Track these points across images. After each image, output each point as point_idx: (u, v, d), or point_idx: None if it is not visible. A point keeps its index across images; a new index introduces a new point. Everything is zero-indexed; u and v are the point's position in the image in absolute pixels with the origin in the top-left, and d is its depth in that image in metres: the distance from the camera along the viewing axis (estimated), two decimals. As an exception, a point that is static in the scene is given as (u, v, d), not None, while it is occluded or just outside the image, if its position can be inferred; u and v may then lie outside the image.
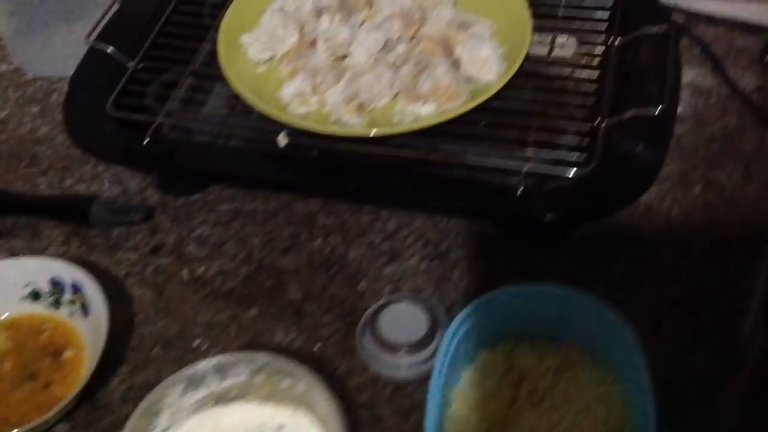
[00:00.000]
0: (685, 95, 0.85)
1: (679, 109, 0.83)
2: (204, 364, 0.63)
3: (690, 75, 0.87)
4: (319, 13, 0.77)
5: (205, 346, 0.72)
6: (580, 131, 0.71)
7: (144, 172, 0.83)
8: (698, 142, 0.81)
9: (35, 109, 0.93)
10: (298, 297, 0.75)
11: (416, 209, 0.77)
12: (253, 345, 0.72)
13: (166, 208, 0.82)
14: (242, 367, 0.63)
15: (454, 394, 0.65)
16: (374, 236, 0.78)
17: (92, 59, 0.82)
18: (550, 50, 0.78)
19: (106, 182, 0.85)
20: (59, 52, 0.93)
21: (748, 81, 0.85)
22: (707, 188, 0.78)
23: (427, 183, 0.72)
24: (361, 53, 0.73)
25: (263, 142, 0.74)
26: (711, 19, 0.91)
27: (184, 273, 0.77)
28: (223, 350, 0.71)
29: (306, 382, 0.61)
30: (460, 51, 0.73)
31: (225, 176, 0.79)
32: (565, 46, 0.81)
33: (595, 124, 0.71)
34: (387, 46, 0.75)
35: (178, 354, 0.72)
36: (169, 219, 0.81)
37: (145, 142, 0.74)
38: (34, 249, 0.80)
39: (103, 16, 0.81)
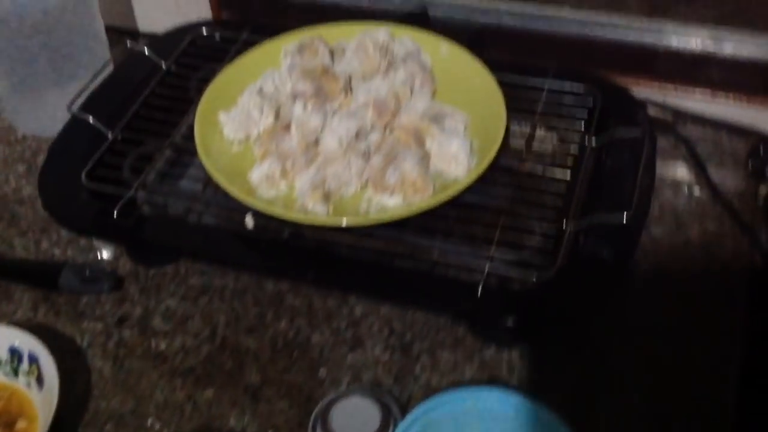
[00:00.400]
0: (666, 194, 0.85)
1: (658, 210, 0.83)
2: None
3: (673, 174, 0.87)
4: (296, 97, 0.78)
5: (158, 426, 0.72)
6: (546, 233, 0.71)
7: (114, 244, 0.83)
8: (675, 244, 0.81)
9: (21, 168, 0.95)
10: (257, 380, 0.74)
11: (376, 300, 0.77)
12: (205, 428, 0.71)
13: (137, 278, 0.83)
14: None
15: (399, 497, 0.64)
16: (340, 321, 0.78)
17: (73, 127, 0.83)
18: (528, 145, 0.78)
19: (81, 248, 0.85)
20: (50, 113, 0.94)
21: (730, 185, 0.85)
22: (680, 295, 0.77)
23: (389, 274, 0.72)
24: (332, 140, 0.74)
25: (233, 221, 0.75)
26: (699, 119, 0.90)
27: (146, 347, 0.77)
28: (175, 432, 0.71)
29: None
30: (431, 144, 0.74)
31: (190, 254, 0.79)
32: (545, 140, 0.81)
33: (562, 227, 0.70)
34: (360, 135, 0.75)
35: (130, 430, 0.71)
36: (138, 289, 0.82)
37: (114, 216, 0.74)
38: (3, 312, 0.81)
39: (86, 86, 0.83)
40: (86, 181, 0.78)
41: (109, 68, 0.92)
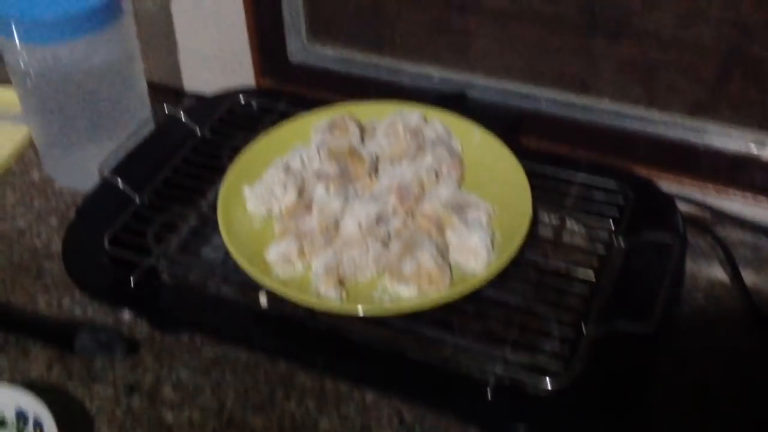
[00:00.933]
0: (697, 297, 0.82)
1: (688, 311, 0.80)
2: None
3: (707, 275, 0.84)
4: (320, 177, 0.78)
5: (155, 502, 0.71)
6: (564, 337, 0.69)
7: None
8: (701, 351, 0.78)
9: (54, 221, 0.96)
10: (260, 462, 0.73)
11: (384, 392, 0.76)
12: None
13: (153, 344, 0.82)
14: None
15: None
16: (349, 407, 0.76)
17: (103, 189, 0.84)
18: (553, 240, 0.76)
19: (102, 308, 0.86)
20: (87, 169, 0.96)
21: (766, 293, 0.82)
22: (703, 407, 0.74)
23: (399, 366, 0.70)
24: (351, 224, 0.73)
25: (249, 297, 0.75)
26: (738, 221, 0.88)
27: (153, 418, 0.77)
28: None
29: None
30: (450, 236, 0.73)
31: (202, 329, 0.79)
32: (573, 234, 0.79)
33: (581, 331, 0.68)
34: (380, 220, 0.74)
35: (127, 505, 0.71)
36: (152, 356, 0.81)
37: (132, 284, 0.75)
38: (19, 368, 0.81)
39: (120, 147, 0.84)
40: (109, 246, 0.78)
41: (149, 128, 0.94)
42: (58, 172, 1.00)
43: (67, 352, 0.82)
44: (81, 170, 0.97)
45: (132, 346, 0.82)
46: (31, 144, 1.05)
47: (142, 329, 0.84)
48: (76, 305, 0.87)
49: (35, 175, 1.03)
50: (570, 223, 0.79)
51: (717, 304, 0.81)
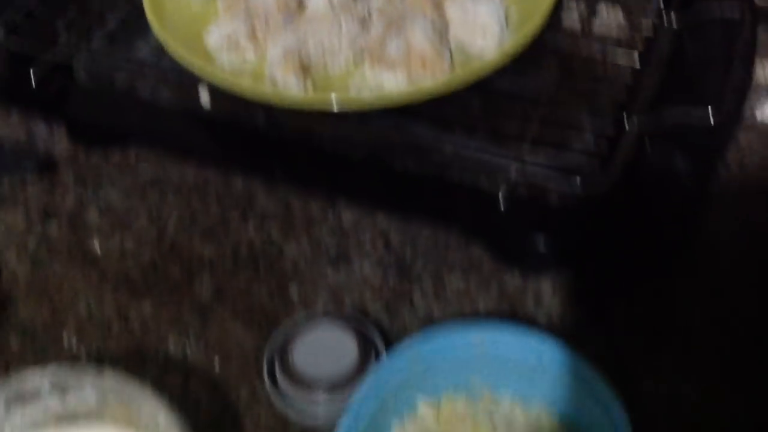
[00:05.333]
0: (759, 98, 0.70)
1: (748, 115, 0.68)
2: (36, 378, 0.51)
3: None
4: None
5: (75, 344, 0.60)
6: (600, 131, 0.56)
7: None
8: (764, 159, 0.66)
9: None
10: (208, 295, 0.63)
11: (366, 205, 0.64)
12: (135, 351, 0.60)
13: (73, 162, 0.71)
14: (87, 388, 0.51)
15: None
16: (322, 229, 0.65)
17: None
18: (586, 23, 0.63)
19: (12, 122, 0.73)
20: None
21: None
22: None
23: (384, 177, 0.58)
24: None
25: (191, 98, 0.61)
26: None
27: (74, 247, 0.65)
28: (98, 353, 0.60)
29: (166, 419, 0.49)
30: (451, 10, 0.59)
31: (134, 138, 0.66)
32: (607, 20, 0.66)
33: (622, 125, 0.56)
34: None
35: (41, 346, 0.60)
36: (73, 175, 0.70)
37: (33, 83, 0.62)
38: None
39: None
40: (5, 35, 0.64)
41: None
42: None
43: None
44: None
45: (45, 164, 0.70)
46: None
47: (62, 142, 0.71)
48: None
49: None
50: (606, 3, 0.65)
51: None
